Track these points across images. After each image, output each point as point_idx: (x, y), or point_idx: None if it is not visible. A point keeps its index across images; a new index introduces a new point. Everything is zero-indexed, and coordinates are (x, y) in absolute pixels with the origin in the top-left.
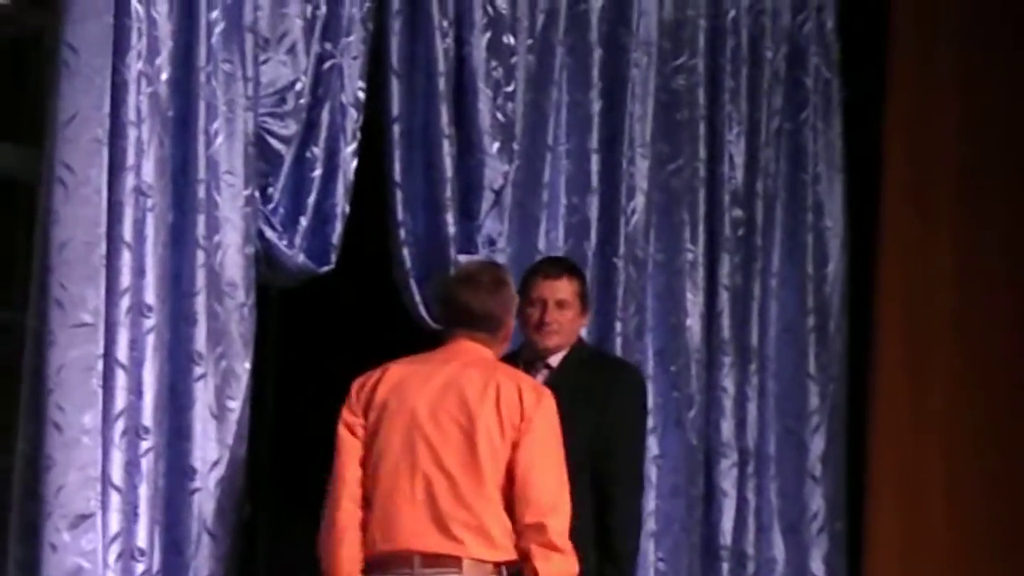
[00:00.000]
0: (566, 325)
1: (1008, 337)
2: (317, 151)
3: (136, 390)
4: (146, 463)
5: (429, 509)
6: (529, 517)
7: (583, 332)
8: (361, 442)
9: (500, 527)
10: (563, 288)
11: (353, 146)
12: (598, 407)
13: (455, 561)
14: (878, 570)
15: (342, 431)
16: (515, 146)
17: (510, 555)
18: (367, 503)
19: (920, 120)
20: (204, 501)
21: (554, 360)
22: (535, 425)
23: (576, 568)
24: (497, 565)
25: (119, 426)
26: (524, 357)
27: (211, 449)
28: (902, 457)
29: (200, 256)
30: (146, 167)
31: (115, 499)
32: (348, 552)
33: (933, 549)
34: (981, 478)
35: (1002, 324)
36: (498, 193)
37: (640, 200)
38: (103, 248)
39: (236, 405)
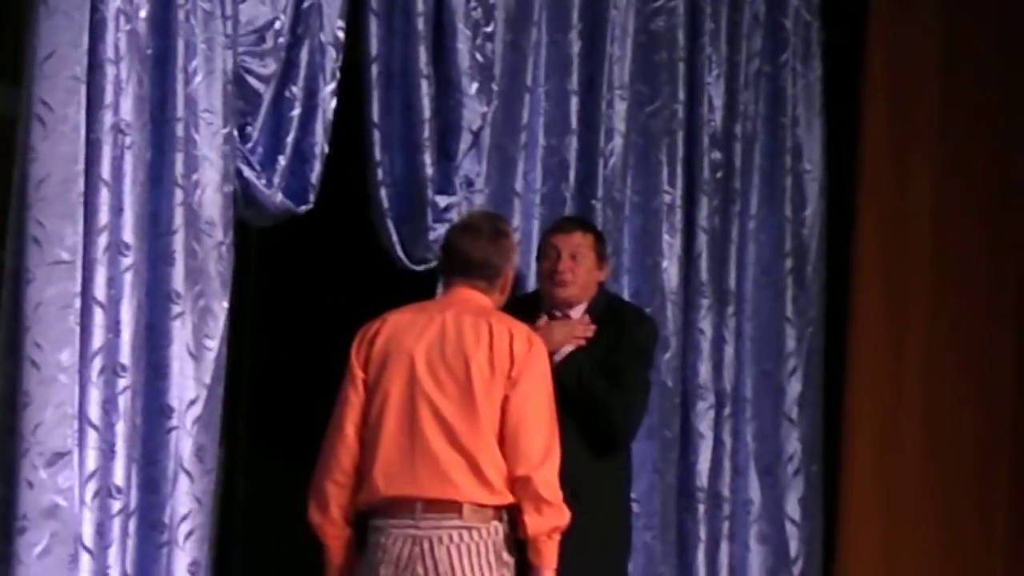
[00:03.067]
0: (580, 277)
1: (985, 277)
2: (296, 90)
3: (114, 328)
4: (123, 401)
5: (428, 457)
6: (519, 470)
7: None
8: (361, 395)
9: (498, 473)
10: (576, 240)
11: (332, 86)
12: (608, 344)
13: (455, 507)
14: (854, 512)
15: (345, 383)
16: (494, 87)
17: (509, 499)
18: (367, 453)
19: (899, 63)
20: (181, 439)
21: (576, 312)
22: (525, 375)
23: (566, 519)
24: (497, 509)
25: (96, 364)
26: (546, 309)
27: (188, 388)
28: (879, 400)
29: (178, 195)
30: (124, 105)
31: (92, 437)
32: (337, 502)
33: (910, 489)
34: (959, 418)
35: (980, 265)
36: (476, 134)
37: (618, 142)
38: (81, 186)
39: (214, 344)
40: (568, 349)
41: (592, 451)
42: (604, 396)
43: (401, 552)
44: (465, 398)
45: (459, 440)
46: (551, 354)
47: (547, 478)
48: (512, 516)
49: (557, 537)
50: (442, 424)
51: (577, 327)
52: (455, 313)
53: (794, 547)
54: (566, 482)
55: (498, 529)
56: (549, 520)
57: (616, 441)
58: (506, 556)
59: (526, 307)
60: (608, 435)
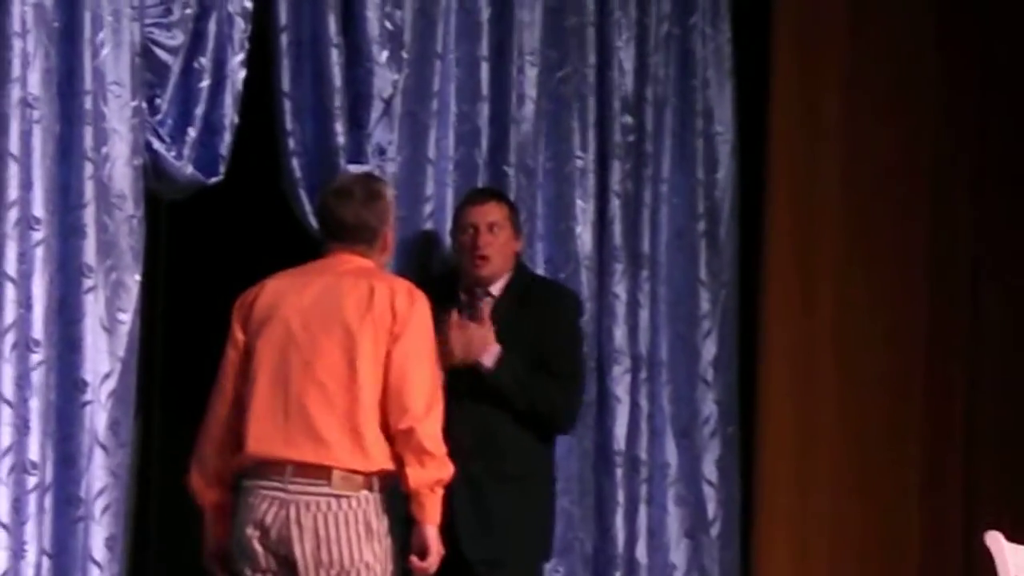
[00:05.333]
0: (500, 249)
1: (896, 235)
2: (205, 61)
3: (25, 303)
4: (37, 376)
5: (302, 418)
6: (402, 423)
7: None
8: (239, 357)
9: (375, 436)
10: (492, 211)
11: (241, 56)
12: (536, 330)
13: (325, 472)
14: (771, 472)
15: (226, 346)
16: (404, 54)
17: (384, 464)
18: (242, 414)
19: (808, 24)
20: (96, 413)
21: (496, 288)
22: (408, 330)
23: (449, 472)
24: (368, 477)
25: (9, 339)
26: (465, 286)
27: (102, 361)
28: (793, 360)
29: (88, 168)
30: (32, 79)
31: (6, 413)
32: (214, 464)
33: (826, 450)
34: (872, 376)
35: (891, 223)
36: (388, 102)
37: (530, 108)
38: None
39: (127, 317)
40: (495, 351)
41: (532, 434)
42: (545, 391)
43: (267, 514)
44: (343, 358)
45: (334, 401)
46: (473, 362)
47: (430, 431)
48: (384, 486)
49: (440, 491)
50: (317, 385)
51: (488, 335)
52: (335, 275)
53: (712, 509)
54: (496, 462)
55: (368, 499)
56: (431, 472)
57: (560, 430)
58: (375, 525)
59: (443, 286)
60: (551, 425)
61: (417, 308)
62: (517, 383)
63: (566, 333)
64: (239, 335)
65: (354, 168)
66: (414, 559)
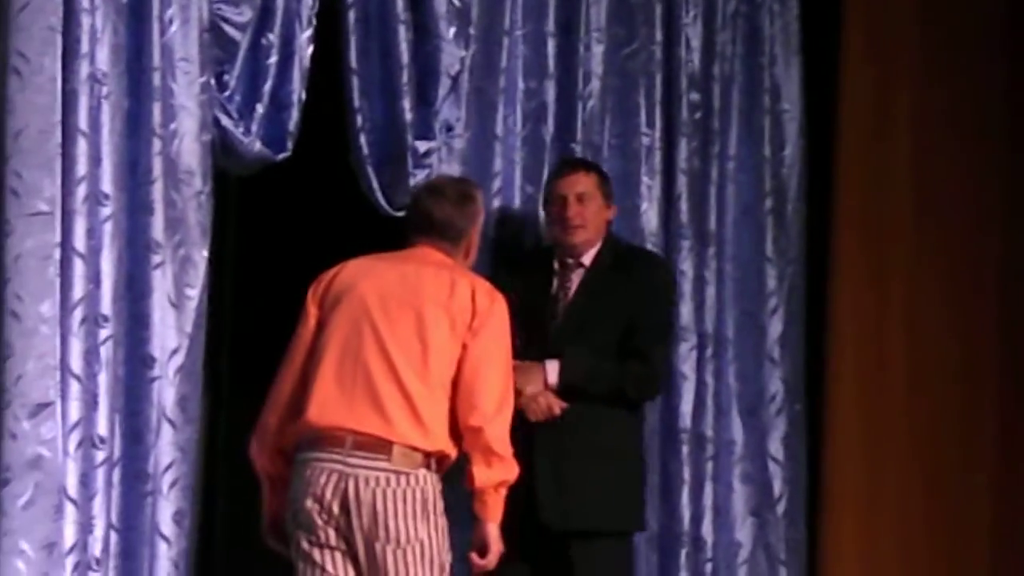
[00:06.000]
0: (590, 219)
1: (967, 212)
2: (273, 37)
3: (94, 279)
4: (105, 351)
5: (367, 392)
6: (472, 420)
7: None
8: (311, 330)
9: (437, 418)
10: (580, 181)
11: (309, 32)
12: (626, 297)
13: (385, 447)
14: (838, 451)
15: (299, 322)
16: (471, 31)
17: (444, 446)
18: (307, 385)
19: (879, 2)
20: (163, 389)
21: (587, 258)
22: (486, 328)
23: (514, 474)
24: (427, 456)
25: (77, 315)
26: (558, 257)
27: (170, 337)
28: (861, 338)
29: (156, 144)
30: (100, 55)
31: (74, 387)
32: (276, 436)
33: (894, 427)
34: (943, 354)
35: (961, 200)
36: (455, 79)
37: (596, 84)
38: (58, 136)
39: (194, 293)
40: (553, 367)
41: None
42: (623, 370)
43: (326, 486)
44: (416, 340)
45: (400, 378)
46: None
47: (498, 432)
48: (441, 467)
49: (504, 491)
50: (387, 361)
51: (554, 406)
52: (416, 264)
53: (777, 487)
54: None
55: (427, 478)
56: (497, 473)
57: (646, 400)
58: (432, 504)
59: (538, 260)
60: (638, 398)
61: (496, 308)
62: (589, 377)
63: (656, 300)
64: (313, 310)
65: (423, 144)
66: (474, 556)
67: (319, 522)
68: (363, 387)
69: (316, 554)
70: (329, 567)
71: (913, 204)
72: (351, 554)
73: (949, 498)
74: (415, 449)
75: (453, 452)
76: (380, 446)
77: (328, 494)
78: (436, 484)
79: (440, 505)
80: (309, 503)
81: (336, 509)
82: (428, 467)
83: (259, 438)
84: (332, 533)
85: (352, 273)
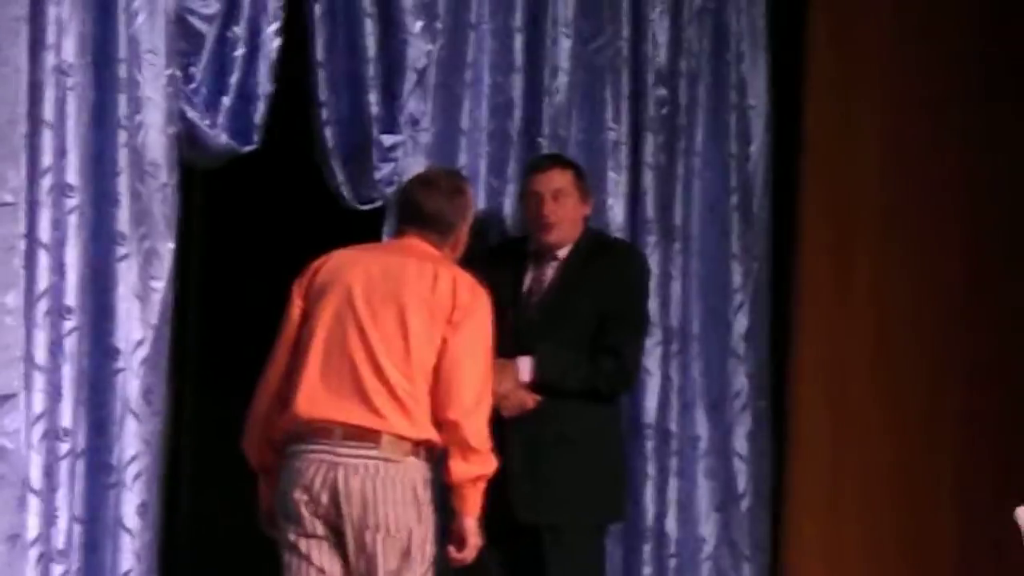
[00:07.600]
0: (566, 216)
1: (934, 210)
2: (239, 30)
3: (59, 270)
4: (69, 343)
5: (354, 385)
6: (450, 413)
7: None
8: (296, 323)
9: (421, 407)
10: (556, 178)
11: (275, 25)
12: (600, 287)
13: (374, 436)
14: (803, 447)
15: (286, 313)
16: (438, 25)
17: (430, 435)
18: (293, 378)
19: None
20: (128, 381)
21: (563, 252)
22: (466, 322)
23: (492, 468)
24: (416, 444)
25: (42, 306)
26: (533, 250)
27: (135, 329)
28: (827, 334)
29: (122, 136)
30: (67, 46)
31: (39, 379)
32: (267, 429)
33: (859, 424)
34: (908, 352)
35: (927, 200)
36: (421, 73)
37: (563, 79)
38: (24, 127)
39: (160, 285)
40: (525, 364)
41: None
42: (595, 367)
43: (315, 477)
44: (398, 332)
45: (384, 371)
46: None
47: (476, 426)
48: (429, 456)
49: (481, 485)
50: (370, 353)
51: (527, 401)
52: (401, 256)
53: (742, 482)
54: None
55: (415, 465)
56: (474, 468)
57: (620, 392)
58: (421, 492)
59: (506, 253)
60: (611, 391)
61: (478, 302)
62: (562, 375)
63: (631, 293)
64: (298, 301)
65: (388, 138)
66: (451, 549)
67: (306, 513)
68: (349, 381)
69: (302, 544)
70: (315, 558)
71: (879, 201)
72: (339, 544)
73: (914, 494)
74: (403, 438)
75: (439, 439)
76: (369, 435)
77: (317, 484)
78: (425, 473)
79: (428, 495)
80: (297, 494)
81: (325, 499)
82: (416, 455)
83: (249, 430)
84: (319, 524)
85: (337, 264)
